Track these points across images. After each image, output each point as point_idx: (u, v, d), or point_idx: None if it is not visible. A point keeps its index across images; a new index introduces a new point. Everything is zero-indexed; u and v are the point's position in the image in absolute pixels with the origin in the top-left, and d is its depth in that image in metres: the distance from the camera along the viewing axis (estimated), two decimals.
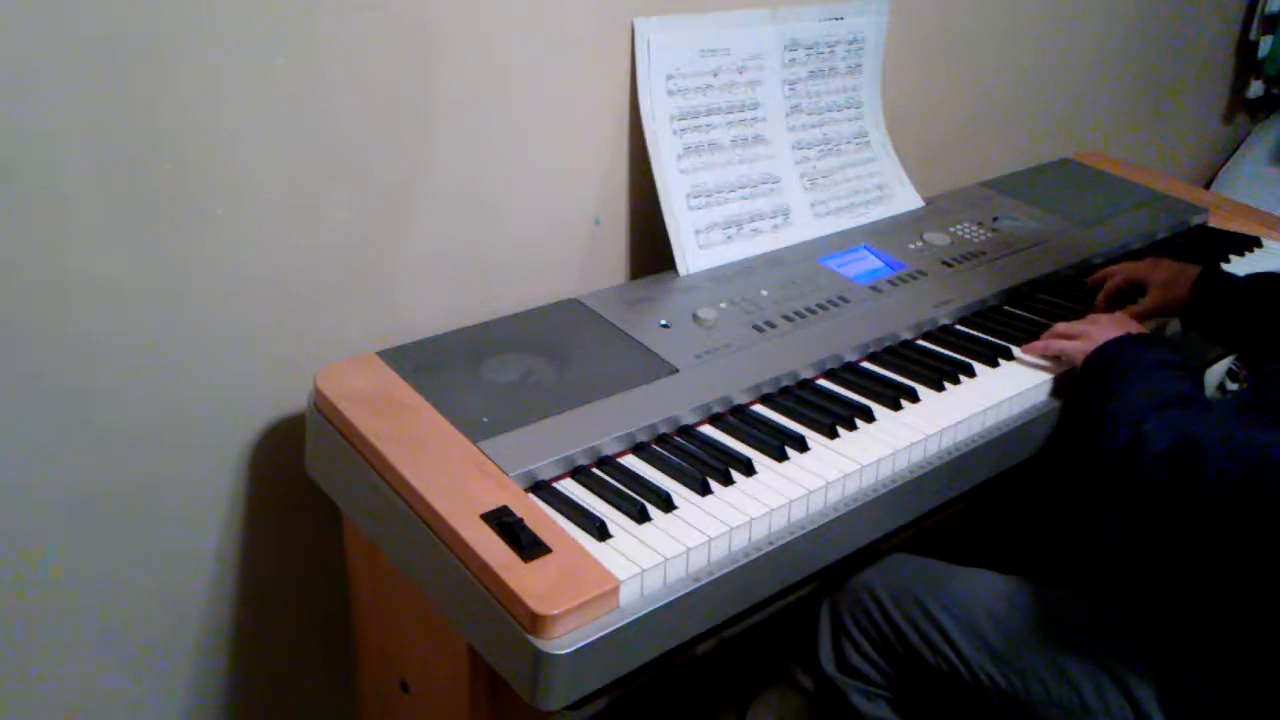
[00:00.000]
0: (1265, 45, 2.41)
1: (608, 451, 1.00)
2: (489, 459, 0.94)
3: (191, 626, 1.18)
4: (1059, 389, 1.18)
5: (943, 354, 1.21)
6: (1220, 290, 1.24)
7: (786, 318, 1.22)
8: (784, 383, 1.13)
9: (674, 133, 1.30)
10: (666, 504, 0.93)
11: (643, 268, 1.38)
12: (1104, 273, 1.37)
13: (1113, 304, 1.32)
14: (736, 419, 1.07)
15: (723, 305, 1.22)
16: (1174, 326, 1.31)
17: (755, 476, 0.98)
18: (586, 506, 0.92)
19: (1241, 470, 0.89)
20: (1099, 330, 1.16)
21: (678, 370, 1.10)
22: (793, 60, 1.41)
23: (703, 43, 1.31)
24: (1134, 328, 1.17)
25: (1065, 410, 1.18)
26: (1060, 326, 1.21)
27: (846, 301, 1.27)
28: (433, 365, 1.07)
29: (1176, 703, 1.00)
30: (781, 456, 1.01)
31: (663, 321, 1.18)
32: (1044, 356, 1.20)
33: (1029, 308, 1.34)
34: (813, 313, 1.24)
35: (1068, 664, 1.05)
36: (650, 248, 1.36)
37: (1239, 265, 1.52)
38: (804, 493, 0.96)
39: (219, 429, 1.11)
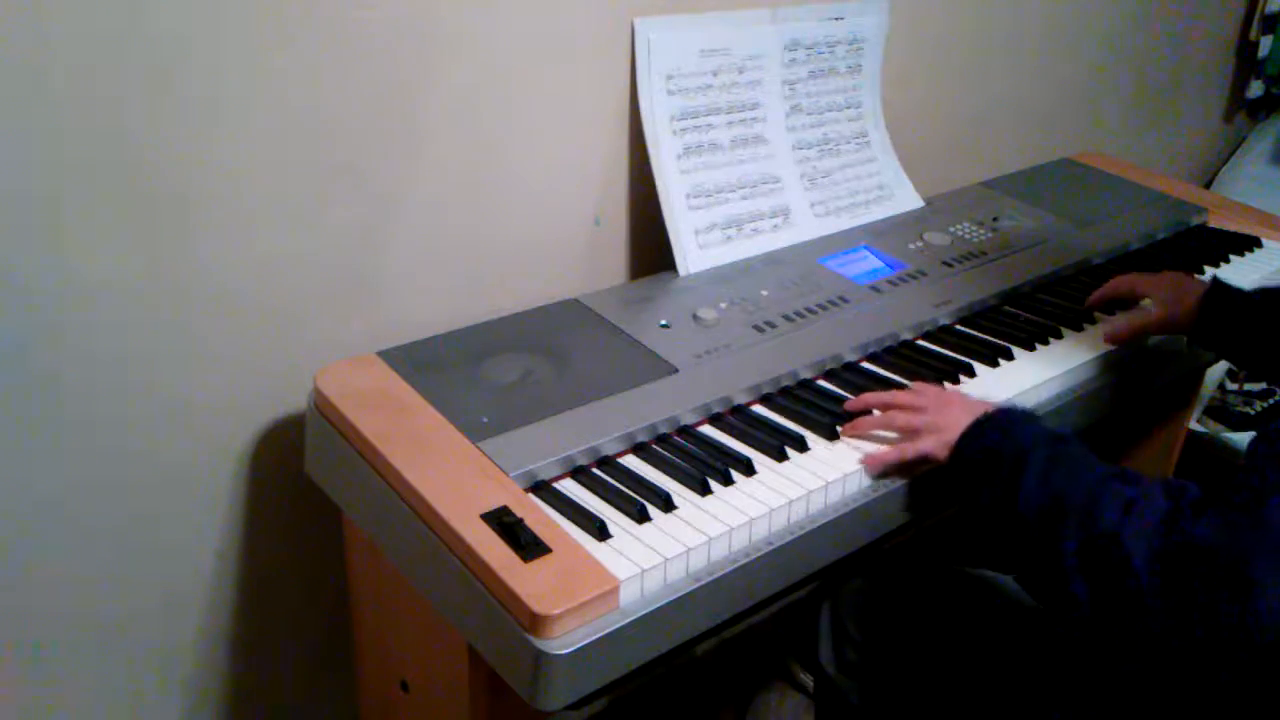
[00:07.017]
0: (1265, 45, 2.41)
1: (608, 451, 1.00)
2: (489, 459, 0.94)
3: (191, 626, 1.18)
4: (1059, 389, 1.18)
5: (943, 354, 1.21)
6: (1231, 304, 1.19)
7: (786, 318, 1.22)
8: (784, 383, 1.13)
9: (674, 133, 1.30)
10: (666, 504, 0.93)
11: (643, 268, 1.38)
12: (1111, 283, 1.32)
13: (1108, 311, 1.32)
14: (736, 419, 1.07)
15: (723, 305, 1.22)
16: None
17: (755, 476, 0.98)
18: (586, 506, 0.92)
19: None
20: (942, 415, 1.00)
21: (678, 370, 1.10)
22: (793, 60, 1.41)
23: (703, 43, 1.31)
24: (971, 399, 1.02)
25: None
26: (895, 418, 1.02)
27: (846, 301, 1.27)
28: (433, 365, 1.07)
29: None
30: (781, 456, 1.01)
31: (663, 321, 1.18)
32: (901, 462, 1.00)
33: (1029, 308, 1.33)
34: (813, 313, 1.24)
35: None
36: (650, 248, 1.36)
37: (1239, 265, 1.52)
38: (804, 493, 0.96)
39: (219, 429, 1.11)
